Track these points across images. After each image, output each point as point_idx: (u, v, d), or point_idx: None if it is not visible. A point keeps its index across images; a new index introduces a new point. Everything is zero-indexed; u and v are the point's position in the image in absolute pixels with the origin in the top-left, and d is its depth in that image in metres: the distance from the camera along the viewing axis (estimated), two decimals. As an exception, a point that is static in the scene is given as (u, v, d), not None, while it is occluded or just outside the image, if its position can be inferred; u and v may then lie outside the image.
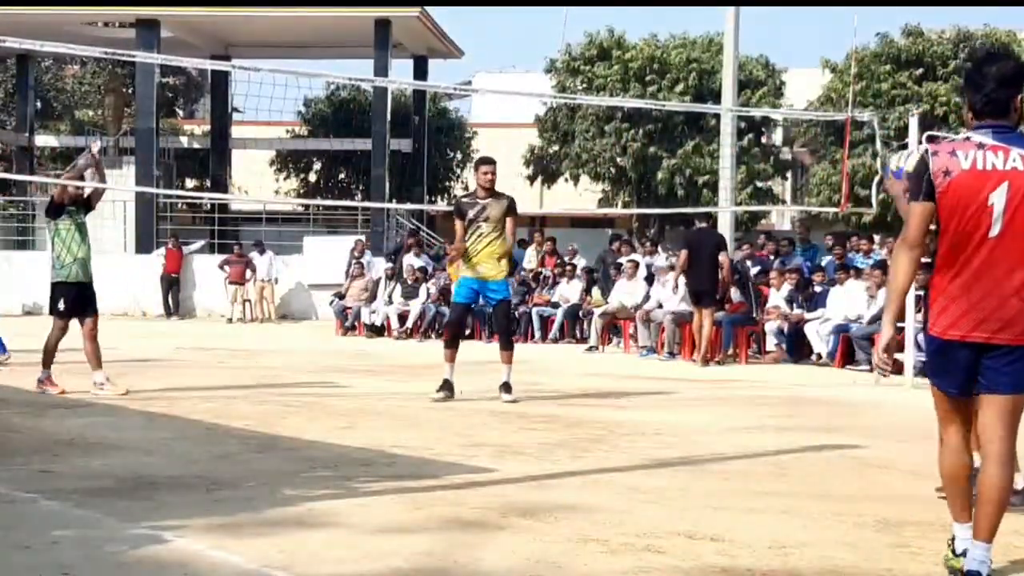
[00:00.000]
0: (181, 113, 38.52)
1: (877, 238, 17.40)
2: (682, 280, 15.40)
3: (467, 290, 10.11)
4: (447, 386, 9.93)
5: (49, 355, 9.97)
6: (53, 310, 10.00)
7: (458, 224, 10.17)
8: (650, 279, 17.54)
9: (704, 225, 15.54)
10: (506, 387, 9.96)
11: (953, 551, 4.50)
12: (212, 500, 5.64)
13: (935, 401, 4.44)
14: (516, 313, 18.89)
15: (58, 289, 9.88)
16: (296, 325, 22.07)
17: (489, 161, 10.27)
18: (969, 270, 4.20)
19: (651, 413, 9.56)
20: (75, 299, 9.88)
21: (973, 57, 4.23)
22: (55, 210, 9.91)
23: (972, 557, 4.30)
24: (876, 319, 13.91)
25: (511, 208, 10.04)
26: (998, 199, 4.10)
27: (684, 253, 15.15)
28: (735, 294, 15.52)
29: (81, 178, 10.24)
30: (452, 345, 10.11)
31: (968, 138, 4.24)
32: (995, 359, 4.19)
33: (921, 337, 12.81)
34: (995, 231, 4.12)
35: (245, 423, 8.33)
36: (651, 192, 25.13)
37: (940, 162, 4.22)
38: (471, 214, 10.00)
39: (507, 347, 10.10)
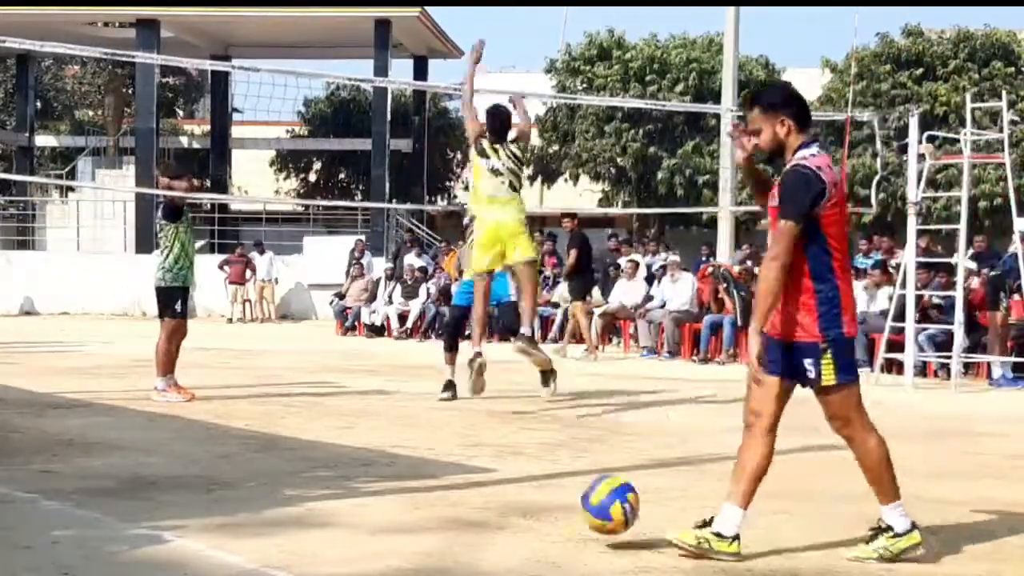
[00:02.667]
0: (181, 113, 38.50)
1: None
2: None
3: (468, 296, 9.92)
4: (451, 386, 9.93)
5: (169, 361, 9.58)
6: (171, 314, 9.59)
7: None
8: (650, 279, 17.55)
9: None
10: (544, 380, 9.65)
11: (897, 533, 4.71)
12: (212, 500, 5.64)
13: (852, 399, 4.82)
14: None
15: (174, 292, 9.60)
16: (296, 325, 22.09)
17: None
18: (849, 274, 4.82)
19: (651, 413, 9.56)
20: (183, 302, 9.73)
21: (793, 88, 4.76)
22: (175, 213, 9.65)
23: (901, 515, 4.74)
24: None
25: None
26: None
27: (574, 252, 15.77)
28: (726, 298, 15.51)
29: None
30: (452, 348, 10.10)
31: (817, 154, 4.72)
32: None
33: (922, 338, 12.84)
34: None
35: (245, 423, 8.33)
36: (651, 192, 25.11)
37: (828, 176, 4.67)
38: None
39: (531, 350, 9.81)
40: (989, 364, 12.83)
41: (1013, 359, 12.75)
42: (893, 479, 4.79)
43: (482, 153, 9.28)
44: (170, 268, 9.58)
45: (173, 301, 9.62)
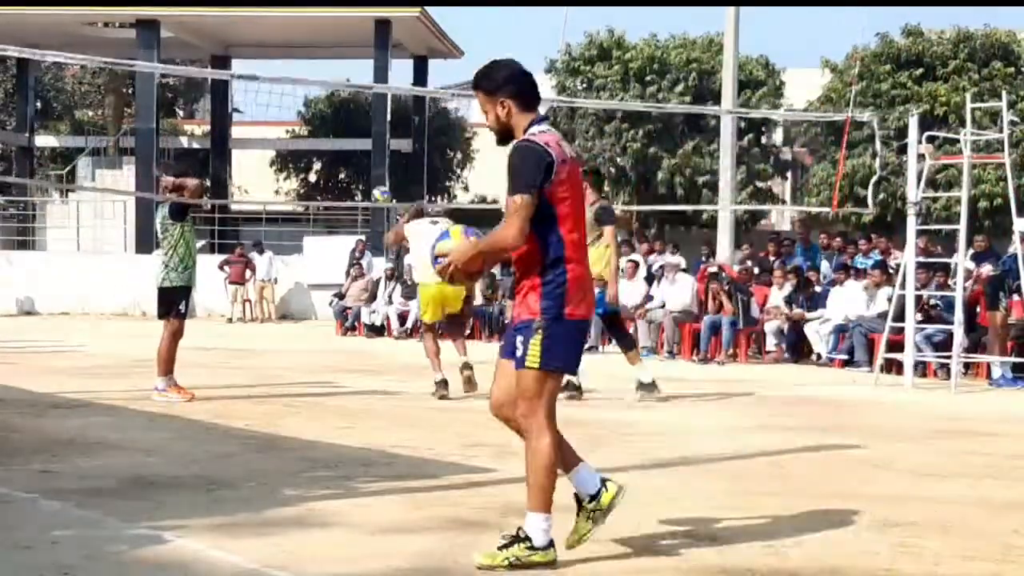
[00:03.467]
0: (181, 113, 38.51)
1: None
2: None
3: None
4: (644, 387, 10.17)
5: (170, 361, 9.53)
6: (173, 314, 9.54)
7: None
8: (649, 279, 17.55)
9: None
10: (639, 385, 10.18)
11: (533, 546, 4.46)
12: (212, 500, 5.64)
13: (550, 390, 4.51)
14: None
15: (179, 292, 9.57)
16: (296, 325, 22.08)
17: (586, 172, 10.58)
18: (588, 257, 4.59)
19: (651, 413, 9.56)
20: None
21: (517, 67, 4.48)
22: (182, 212, 9.60)
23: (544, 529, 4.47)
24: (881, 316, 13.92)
25: (597, 216, 10.04)
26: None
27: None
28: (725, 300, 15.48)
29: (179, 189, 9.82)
30: (628, 347, 10.38)
31: (546, 131, 4.56)
32: None
33: (919, 338, 12.84)
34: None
35: (245, 423, 8.33)
36: (651, 192, 25.13)
37: (556, 152, 4.48)
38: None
39: (624, 349, 10.29)
40: (989, 364, 12.83)
41: (1013, 359, 12.74)
42: (550, 489, 4.47)
43: (415, 216, 10.78)
44: (176, 268, 9.56)
45: (178, 301, 9.61)
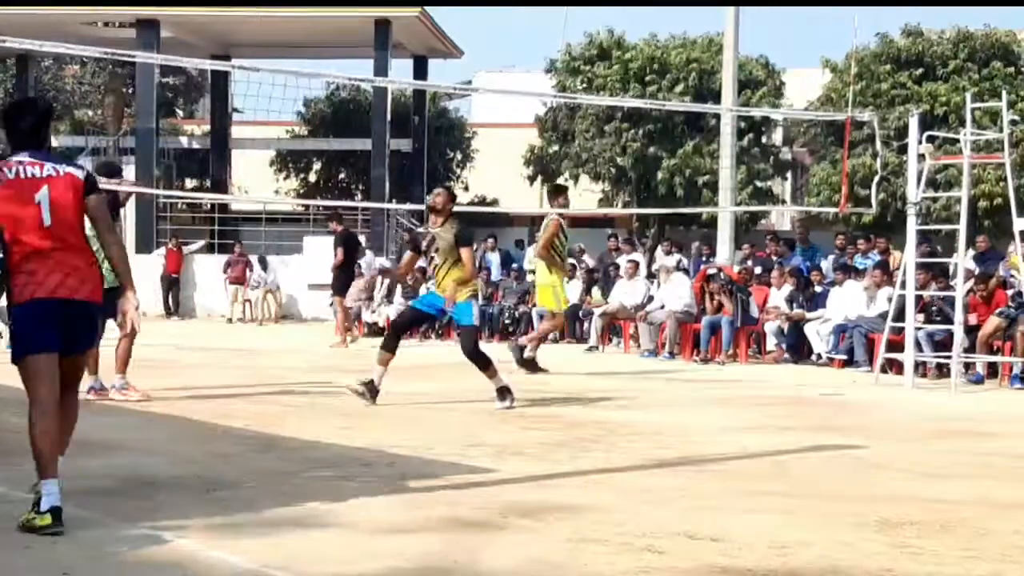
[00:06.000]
0: (181, 113, 38.48)
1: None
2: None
3: (428, 304, 9.83)
4: (371, 388, 9.43)
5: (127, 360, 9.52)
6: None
7: (407, 256, 10.40)
8: (650, 278, 17.56)
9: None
10: (498, 393, 9.56)
11: (39, 510, 4.96)
12: (212, 500, 5.64)
13: (29, 371, 5.44)
14: (517, 313, 18.89)
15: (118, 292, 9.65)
16: (296, 325, 22.08)
17: (438, 188, 10.11)
18: (33, 252, 5.23)
19: (651, 413, 9.56)
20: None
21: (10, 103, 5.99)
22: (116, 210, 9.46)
23: (51, 493, 5.02)
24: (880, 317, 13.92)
25: (459, 237, 9.46)
26: (43, 199, 5.24)
27: (340, 251, 17.70)
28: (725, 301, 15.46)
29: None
30: (390, 348, 9.56)
31: (11, 158, 5.33)
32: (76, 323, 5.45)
33: (921, 335, 12.83)
34: (48, 222, 5.26)
35: (245, 423, 8.33)
36: (651, 192, 25.11)
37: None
38: (423, 245, 9.77)
39: (481, 368, 9.51)
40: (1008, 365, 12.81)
41: (1022, 360, 12.58)
42: (39, 457, 5.25)
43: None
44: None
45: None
